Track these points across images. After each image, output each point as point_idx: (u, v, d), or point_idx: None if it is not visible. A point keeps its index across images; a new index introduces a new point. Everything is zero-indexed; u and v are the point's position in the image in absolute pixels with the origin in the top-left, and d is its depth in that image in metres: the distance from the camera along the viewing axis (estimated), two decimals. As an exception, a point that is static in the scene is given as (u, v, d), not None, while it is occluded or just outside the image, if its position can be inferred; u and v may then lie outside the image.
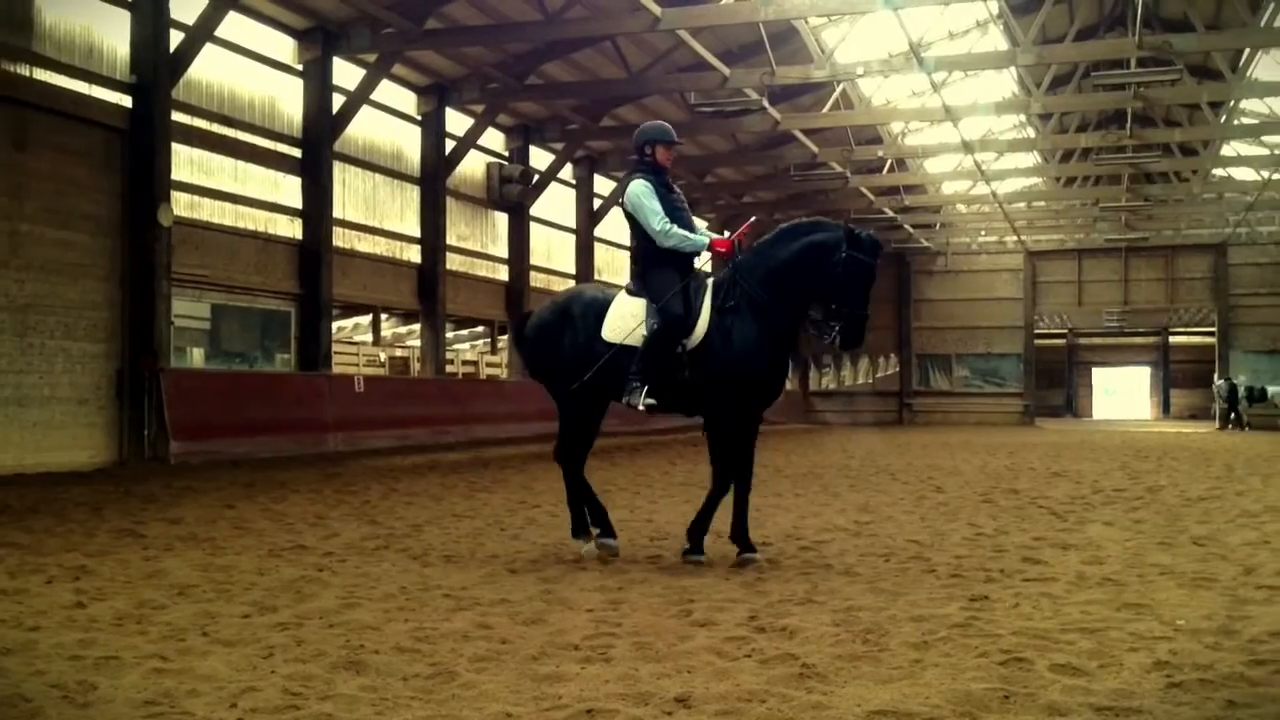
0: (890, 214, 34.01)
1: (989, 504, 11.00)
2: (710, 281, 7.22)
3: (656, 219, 7.11)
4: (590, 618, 5.40)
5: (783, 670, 4.39)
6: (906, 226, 36.54)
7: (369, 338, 23.59)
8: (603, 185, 28.37)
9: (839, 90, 23.35)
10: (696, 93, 21.16)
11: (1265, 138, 29.66)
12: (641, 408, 7.05)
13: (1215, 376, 38.49)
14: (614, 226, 29.51)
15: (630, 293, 7.30)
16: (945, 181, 33.18)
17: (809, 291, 7.05)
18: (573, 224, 27.60)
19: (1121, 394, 53.79)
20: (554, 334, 7.37)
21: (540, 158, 25.43)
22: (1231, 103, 27.57)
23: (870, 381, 43.81)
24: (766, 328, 7.01)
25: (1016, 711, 3.87)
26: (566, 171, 26.82)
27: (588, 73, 22.46)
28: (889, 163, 29.52)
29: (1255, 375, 38.41)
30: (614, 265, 30.20)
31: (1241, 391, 35.56)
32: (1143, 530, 8.92)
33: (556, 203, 26.91)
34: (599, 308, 7.29)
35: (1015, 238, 38.82)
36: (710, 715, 3.84)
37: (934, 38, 23.59)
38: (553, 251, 27.17)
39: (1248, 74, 25.12)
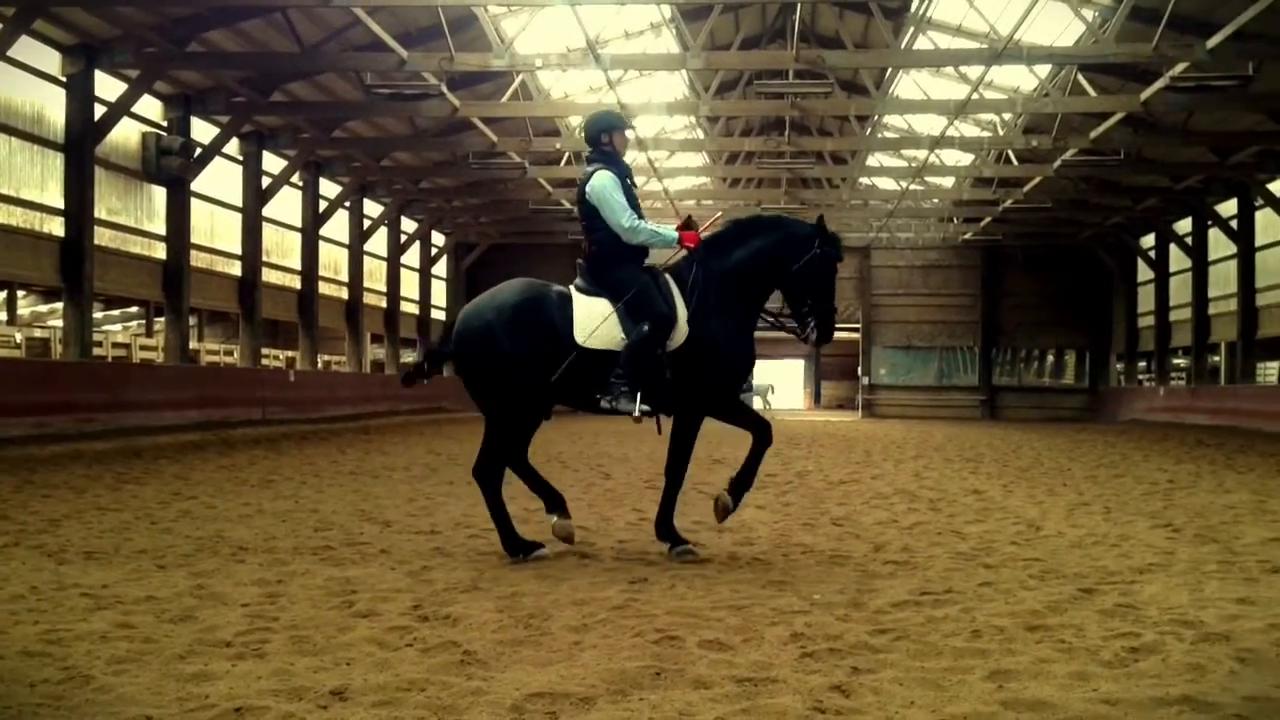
0: (568, 206, 34.54)
1: (654, 490, 11.36)
2: (669, 276, 7.02)
3: (625, 215, 6.84)
4: (245, 613, 5.19)
5: (444, 658, 4.39)
6: (583, 219, 37.23)
7: (3, 316, 21.51)
8: (272, 163, 27.13)
9: (518, 81, 23.50)
10: (373, 73, 20.67)
11: (904, 151, 32.45)
12: (637, 415, 6.77)
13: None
14: (284, 206, 28.31)
15: (585, 291, 6.93)
16: (620, 177, 34.07)
17: (776, 286, 7.07)
18: (239, 202, 26.24)
19: (779, 385, 57.22)
20: (501, 336, 6.75)
21: (204, 130, 23.98)
22: (876, 117, 29.97)
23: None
24: (742, 322, 7.02)
25: (666, 686, 4.06)
26: (233, 146, 25.44)
27: (256, 44, 21.41)
28: (567, 155, 30.01)
29: (893, 369, 42.08)
30: (283, 247, 28.99)
31: None
32: (790, 512, 9.55)
33: (222, 179, 25.48)
34: (555, 306, 6.84)
35: (684, 234, 40.44)
36: (367, 707, 3.79)
37: (611, 36, 24.19)
38: (217, 230, 25.73)
39: (890, 91, 27.38)
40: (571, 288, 7.02)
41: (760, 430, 7.16)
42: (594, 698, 3.91)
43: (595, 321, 6.80)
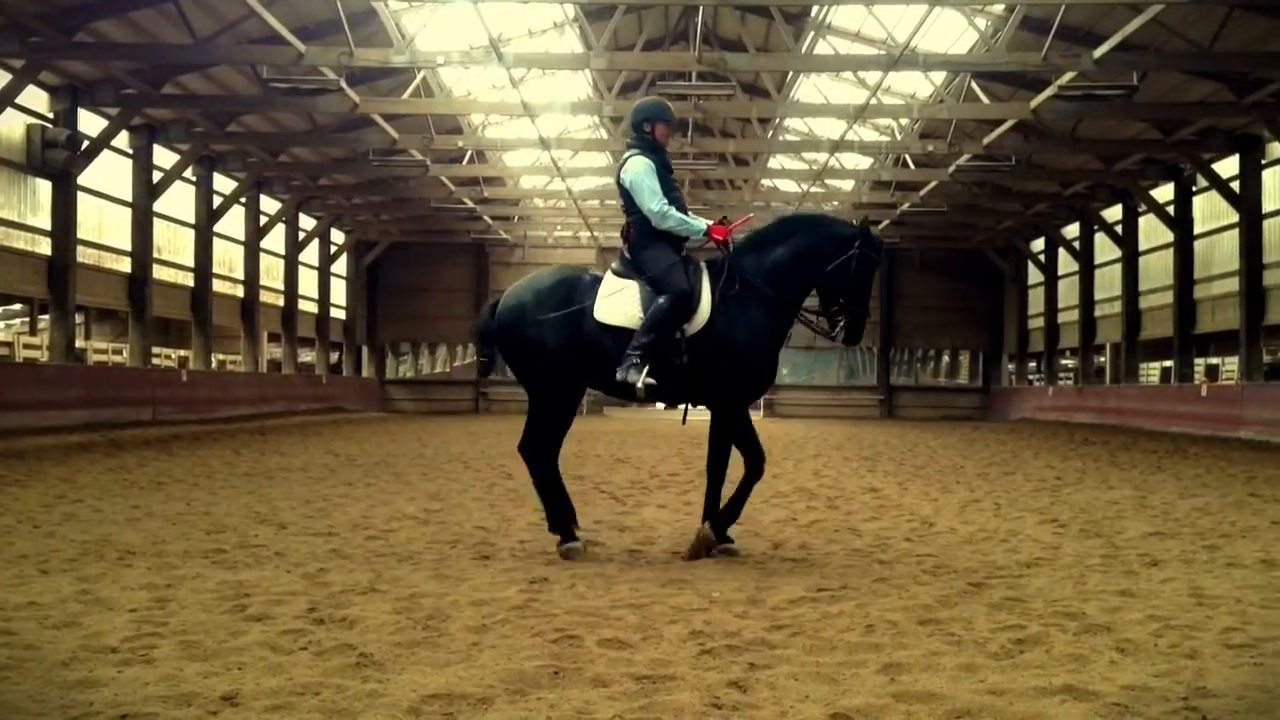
0: (470, 205, 34.33)
1: (555, 489, 11.39)
2: (704, 265, 7.03)
3: (655, 200, 6.89)
4: (132, 618, 5.05)
5: (339, 661, 4.33)
6: (486, 218, 37.04)
7: (-124, 313, 20.62)
8: (164, 157, 26.37)
9: (420, 77, 23.26)
10: (269, 67, 20.25)
11: (805, 154, 32.88)
12: (641, 385, 6.75)
13: None
14: (177, 202, 27.59)
15: (617, 274, 7.01)
16: (524, 176, 33.98)
17: (813, 284, 7.06)
18: (129, 197, 25.47)
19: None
20: (535, 316, 6.93)
21: (92, 122, 23.21)
22: (778, 120, 30.32)
23: (447, 371, 44.11)
24: (771, 317, 6.98)
25: (564, 685, 4.06)
26: (122, 139, 24.69)
27: (147, 35, 20.80)
28: (469, 153, 29.80)
29: (795, 369, 42.64)
30: (175, 243, 28.24)
31: None
32: (692, 511, 9.57)
33: (110, 173, 24.69)
34: (585, 288, 6.97)
35: (588, 233, 40.48)
36: (259, 712, 3.72)
37: (514, 34, 24.07)
38: (105, 226, 24.93)
39: (791, 95, 27.73)
40: (608, 270, 7.16)
41: (755, 460, 7.20)
42: (492, 698, 3.90)
43: (617, 298, 6.93)
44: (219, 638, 4.68)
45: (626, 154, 7.20)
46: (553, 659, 4.38)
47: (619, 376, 6.84)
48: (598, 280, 7.09)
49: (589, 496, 10.78)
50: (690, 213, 7.18)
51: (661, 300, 6.81)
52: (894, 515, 9.38)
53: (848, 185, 34.13)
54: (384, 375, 43.48)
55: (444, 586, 5.90)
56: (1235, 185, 25.37)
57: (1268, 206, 24.88)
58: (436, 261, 42.33)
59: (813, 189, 32.33)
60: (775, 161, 34.53)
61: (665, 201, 6.97)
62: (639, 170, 7.01)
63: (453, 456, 16.35)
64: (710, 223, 7.09)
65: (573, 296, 7.00)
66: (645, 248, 7.04)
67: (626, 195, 7.10)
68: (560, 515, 7.17)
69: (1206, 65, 20.32)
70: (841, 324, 7.13)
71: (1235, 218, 25.56)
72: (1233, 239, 25.95)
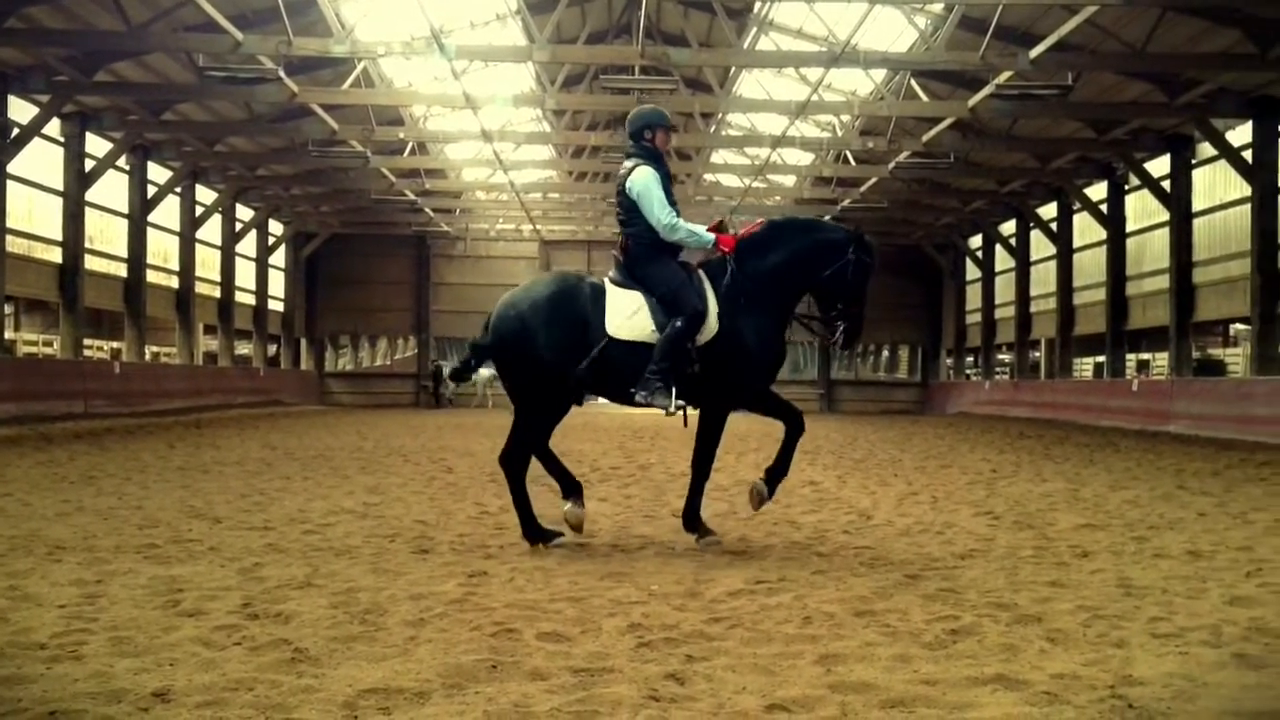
0: (411, 197, 34.07)
1: (496, 483, 11.32)
2: (702, 272, 7.03)
3: (665, 212, 6.89)
4: (62, 614, 4.96)
5: (274, 656, 4.29)
6: (427, 210, 36.78)
7: None
8: (96, 145, 25.86)
9: (360, 68, 23.01)
10: (206, 55, 19.92)
11: (747, 149, 33.01)
12: (673, 409, 6.80)
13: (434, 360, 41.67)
14: (108, 191, 27.07)
15: (619, 284, 6.97)
16: (466, 168, 33.76)
17: (809, 288, 7.14)
18: (60, 185, 24.95)
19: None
20: (537, 328, 6.89)
21: (22, 109, 22.70)
22: (720, 115, 30.42)
23: (387, 364, 43.77)
24: (774, 319, 7.08)
25: (502, 679, 4.05)
26: (54, 127, 24.17)
27: (79, 21, 20.35)
28: (410, 145, 29.55)
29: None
30: (107, 235, 27.71)
31: (447, 372, 39.86)
32: (631, 505, 9.64)
33: (41, 161, 24.17)
34: (589, 299, 6.90)
35: (531, 227, 40.38)
36: (191, 708, 3.67)
37: (455, 25, 23.91)
38: (35, 215, 24.40)
39: (733, 90, 27.83)
40: (606, 280, 7.10)
41: (793, 420, 7.26)
42: (429, 692, 3.88)
43: (627, 313, 6.92)
44: (150, 633, 4.62)
45: (630, 164, 7.14)
46: (491, 653, 4.38)
47: (642, 400, 6.87)
48: (598, 290, 7.03)
49: (529, 491, 10.74)
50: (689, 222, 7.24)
51: (678, 323, 6.83)
52: (832, 508, 9.46)
53: (789, 181, 34.34)
54: (323, 368, 43.05)
55: (381, 580, 5.87)
56: (1166, 184, 25.90)
57: (1197, 205, 25.44)
58: (377, 254, 41.99)
59: (754, 184, 32.47)
60: (718, 156, 34.68)
61: (674, 213, 7.00)
62: (646, 180, 7.00)
63: (392, 450, 16.23)
64: (716, 233, 7.13)
65: (574, 307, 6.95)
66: (650, 262, 7.03)
67: (629, 206, 7.05)
68: (532, 522, 7.21)
69: (1139, 66, 20.70)
70: (841, 328, 7.26)
71: (1166, 216, 26.11)
72: (1163, 237, 26.51)
